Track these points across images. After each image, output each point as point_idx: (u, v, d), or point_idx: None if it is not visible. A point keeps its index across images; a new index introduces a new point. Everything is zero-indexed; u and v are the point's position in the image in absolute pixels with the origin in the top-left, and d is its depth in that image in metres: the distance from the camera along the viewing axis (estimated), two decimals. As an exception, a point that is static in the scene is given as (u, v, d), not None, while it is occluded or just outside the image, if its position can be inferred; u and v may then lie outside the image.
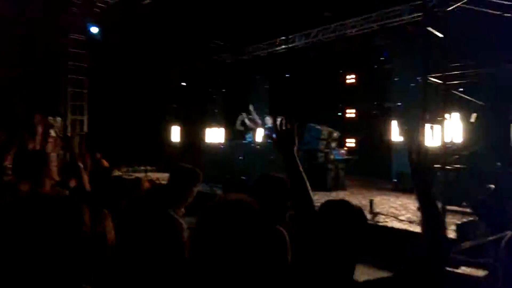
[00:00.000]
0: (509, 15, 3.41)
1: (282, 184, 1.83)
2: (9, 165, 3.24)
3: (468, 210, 4.62)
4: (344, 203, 1.47)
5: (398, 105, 9.48)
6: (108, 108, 11.50)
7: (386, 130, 10.02)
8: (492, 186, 4.03)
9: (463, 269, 3.48)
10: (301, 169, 1.60)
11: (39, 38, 10.43)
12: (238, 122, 9.88)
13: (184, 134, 13.85)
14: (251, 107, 10.14)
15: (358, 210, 1.43)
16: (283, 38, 10.97)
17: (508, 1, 3.36)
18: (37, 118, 6.46)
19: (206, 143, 11.14)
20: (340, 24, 9.97)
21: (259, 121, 10.11)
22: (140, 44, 11.81)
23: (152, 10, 10.28)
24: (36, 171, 2.38)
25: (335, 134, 9.37)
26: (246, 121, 9.79)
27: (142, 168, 12.12)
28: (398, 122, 9.03)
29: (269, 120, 9.84)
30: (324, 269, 1.33)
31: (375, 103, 11.97)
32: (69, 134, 8.69)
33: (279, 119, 1.70)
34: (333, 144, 9.23)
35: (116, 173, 4.46)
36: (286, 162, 1.61)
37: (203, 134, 11.57)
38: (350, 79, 12.15)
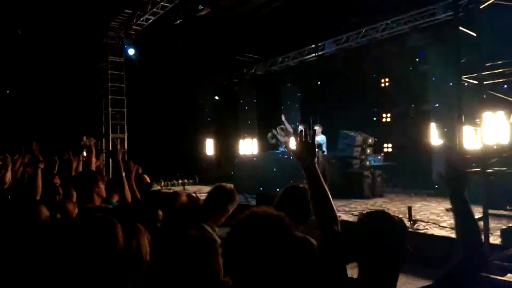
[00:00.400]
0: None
1: (304, 193, 1.87)
2: (59, 184, 3.49)
3: (514, 214, 4.38)
4: (383, 214, 1.47)
5: (436, 106, 9.14)
6: (145, 126, 12.02)
7: (425, 133, 9.69)
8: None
9: (509, 276, 3.30)
10: (322, 180, 1.61)
11: (82, 61, 11.18)
12: (270, 135, 9.99)
13: (218, 147, 14.15)
14: (283, 117, 10.19)
15: (398, 221, 1.43)
16: (313, 46, 10.97)
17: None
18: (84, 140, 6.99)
19: (240, 155, 11.30)
20: (371, 27, 9.84)
21: (291, 130, 10.13)
22: (173, 62, 12.30)
23: (184, 28, 10.70)
24: (86, 190, 2.58)
25: (370, 140, 9.19)
26: (276, 132, 9.87)
27: (180, 181, 12.47)
28: (436, 124, 8.70)
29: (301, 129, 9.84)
30: (367, 281, 1.36)
31: (412, 105, 11.62)
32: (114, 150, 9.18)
33: (300, 128, 1.75)
34: (369, 150, 9.05)
35: (156, 187, 4.64)
36: (306, 173, 1.62)
37: (237, 146, 11.77)
38: (385, 82, 11.90)
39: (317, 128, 9.51)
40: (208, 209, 2.37)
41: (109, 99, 10.14)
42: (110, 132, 10.18)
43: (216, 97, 14.36)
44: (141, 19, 9.20)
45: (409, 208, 5.90)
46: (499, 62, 3.69)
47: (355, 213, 6.57)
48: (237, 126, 14.65)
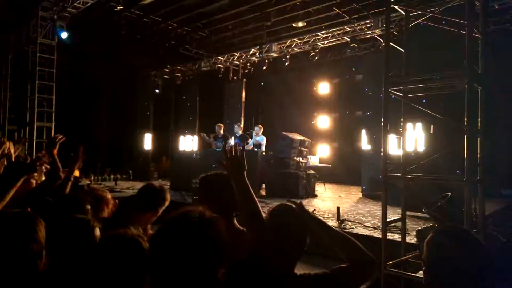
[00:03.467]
0: (463, 32, 3.66)
1: (224, 181, 1.92)
2: None
3: (427, 216, 4.84)
4: (287, 207, 1.65)
5: (368, 114, 9.78)
6: (77, 116, 11.28)
7: (356, 138, 10.32)
8: (449, 193, 4.24)
9: (422, 273, 3.65)
10: (251, 190, 1.75)
11: (7, 43, 10.17)
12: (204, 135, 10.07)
13: (156, 142, 13.73)
14: (236, 127, 10.22)
15: (300, 207, 1.62)
16: (258, 47, 11.13)
17: (463, 20, 3.60)
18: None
19: (179, 151, 11.08)
20: (313, 35, 10.25)
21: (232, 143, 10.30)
22: (113, 51, 11.71)
23: (125, 16, 10.24)
24: None
25: (307, 143, 9.56)
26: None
27: (112, 176, 11.88)
28: (366, 131, 9.32)
29: (237, 129, 9.97)
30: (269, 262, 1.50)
31: (347, 111, 12.34)
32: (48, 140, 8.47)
33: (229, 145, 1.84)
34: (305, 152, 9.41)
35: (84, 182, 4.38)
36: (237, 185, 1.76)
37: (177, 142, 11.52)
38: (324, 88, 12.46)
39: (257, 128, 9.71)
40: (137, 210, 2.22)
41: (36, 84, 9.32)
42: (35, 120, 9.37)
43: (157, 90, 13.94)
44: (77, 1, 8.61)
45: (338, 209, 6.26)
46: (421, 77, 4.04)
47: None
48: (178, 122, 14.36)
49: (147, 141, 13.64)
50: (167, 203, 2.27)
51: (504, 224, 5.18)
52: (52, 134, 9.43)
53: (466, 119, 3.52)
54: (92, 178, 10.99)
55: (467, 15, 3.47)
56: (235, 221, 1.94)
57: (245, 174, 1.77)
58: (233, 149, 1.79)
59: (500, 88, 7.55)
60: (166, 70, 13.56)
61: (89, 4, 8.69)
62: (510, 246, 3.95)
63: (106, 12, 9.81)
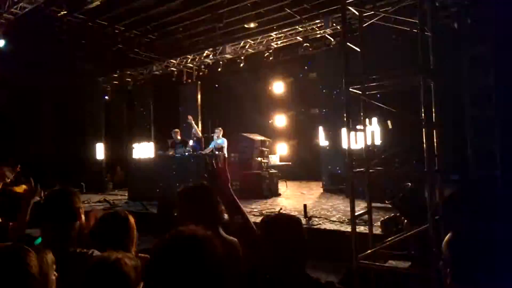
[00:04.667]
0: (415, 31, 3.87)
1: (205, 192, 1.88)
2: None
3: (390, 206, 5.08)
4: (282, 217, 1.68)
5: (323, 111, 10.06)
6: (21, 126, 10.50)
7: (314, 135, 10.58)
8: (409, 183, 4.48)
9: (390, 262, 3.81)
10: (238, 202, 1.76)
11: None
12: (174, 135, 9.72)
13: (109, 151, 13.13)
14: (190, 118, 10.03)
15: (296, 221, 1.62)
16: (211, 49, 11.03)
17: (414, 20, 3.81)
18: None
19: (135, 159, 10.65)
20: (266, 35, 10.34)
21: (199, 134, 10.13)
22: (57, 56, 11.02)
23: (68, 21, 9.67)
24: None
25: (268, 142, 9.64)
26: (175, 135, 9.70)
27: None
28: (323, 128, 9.58)
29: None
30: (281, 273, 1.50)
31: (302, 109, 12.60)
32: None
33: (209, 158, 1.83)
34: (266, 152, 9.48)
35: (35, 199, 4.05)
36: (224, 198, 1.75)
37: (131, 150, 11.08)
38: (279, 87, 12.62)
39: (217, 131, 9.63)
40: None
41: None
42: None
43: (106, 97, 13.33)
44: (15, 6, 7.98)
45: (305, 206, 6.37)
46: (379, 75, 4.21)
47: (256, 213, 6.81)
48: (132, 129, 13.82)
49: (99, 151, 13.00)
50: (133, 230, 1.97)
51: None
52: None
53: (423, 113, 3.73)
54: (42, 194, 10.26)
55: (419, 14, 3.67)
56: (222, 232, 1.89)
57: (229, 185, 1.75)
58: (215, 161, 1.76)
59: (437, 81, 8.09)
60: (115, 75, 13.01)
61: (27, 9, 8.08)
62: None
63: (46, 17, 9.19)
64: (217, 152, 8.99)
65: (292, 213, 6.79)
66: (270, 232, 1.58)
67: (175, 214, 1.97)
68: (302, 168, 11.35)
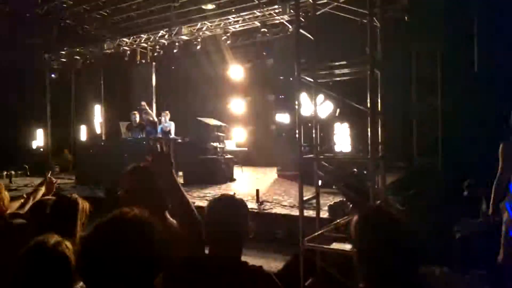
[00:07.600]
0: (365, 21, 3.96)
1: (148, 173, 1.84)
2: None
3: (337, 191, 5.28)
4: (227, 198, 1.68)
5: (281, 97, 10.13)
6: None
7: (270, 121, 10.67)
8: (355, 170, 4.66)
9: (335, 245, 3.98)
10: (181, 188, 1.70)
11: None
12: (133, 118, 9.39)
13: (54, 132, 12.44)
14: (143, 104, 9.71)
15: (240, 202, 1.65)
16: (166, 29, 10.66)
17: (364, 9, 3.90)
18: None
19: (83, 142, 10.17)
20: (224, 18, 10.15)
21: (155, 119, 9.84)
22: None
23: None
24: None
25: (223, 127, 9.58)
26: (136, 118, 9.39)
27: (5, 173, 10.51)
28: (279, 114, 9.68)
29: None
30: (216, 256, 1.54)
31: (259, 95, 12.59)
32: None
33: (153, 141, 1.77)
34: (222, 137, 9.43)
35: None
36: (167, 183, 1.68)
37: (78, 132, 10.55)
38: (237, 72, 12.49)
39: (164, 114, 9.54)
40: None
41: None
42: None
43: (53, 75, 12.51)
44: None
45: (257, 191, 6.44)
46: (330, 64, 4.29)
47: (209, 198, 6.78)
48: (80, 110, 13.13)
49: (44, 133, 12.27)
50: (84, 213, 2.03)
51: (400, 193, 5.88)
52: None
53: (368, 101, 3.86)
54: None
55: (368, 5, 3.76)
56: (167, 215, 1.86)
57: (173, 171, 1.71)
58: (160, 145, 1.70)
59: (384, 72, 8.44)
60: (62, 52, 12.22)
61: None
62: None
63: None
64: (161, 136, 8.86)
65: (246, 198, 6.84)
66: (209, 214, 1.59)
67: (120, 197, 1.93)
68: (259, 154, 11.43)
